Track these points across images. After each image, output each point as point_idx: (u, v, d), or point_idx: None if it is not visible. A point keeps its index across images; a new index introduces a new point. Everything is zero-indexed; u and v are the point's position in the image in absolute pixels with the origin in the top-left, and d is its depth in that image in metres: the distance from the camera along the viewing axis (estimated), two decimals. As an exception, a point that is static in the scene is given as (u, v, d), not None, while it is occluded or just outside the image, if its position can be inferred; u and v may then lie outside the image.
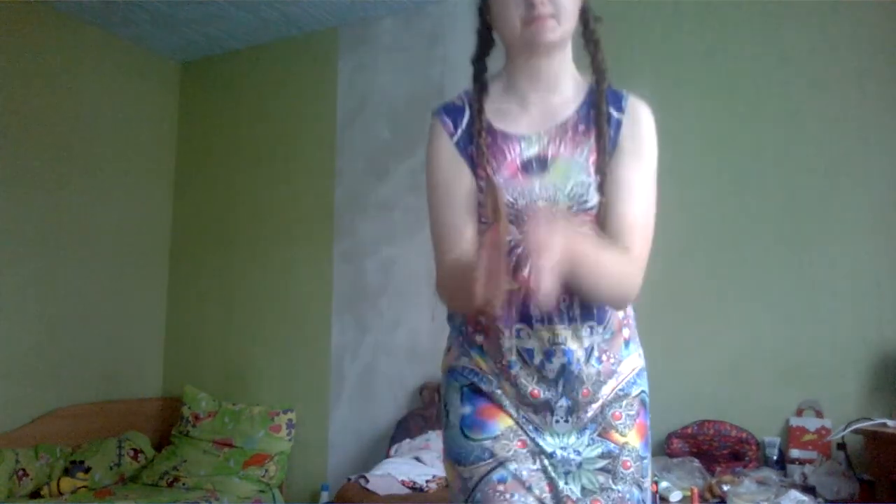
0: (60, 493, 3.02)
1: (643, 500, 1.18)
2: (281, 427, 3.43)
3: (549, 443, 1.17)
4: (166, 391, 3.93)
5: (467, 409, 1.19)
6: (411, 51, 3.53)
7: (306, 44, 3.83)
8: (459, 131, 1.18)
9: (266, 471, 3.32)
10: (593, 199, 1.13)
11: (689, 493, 2.30)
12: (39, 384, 3.33)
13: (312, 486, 3.41)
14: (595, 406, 1.17)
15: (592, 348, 1.15)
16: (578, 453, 1.16)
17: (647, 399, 1.23)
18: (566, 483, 1.15)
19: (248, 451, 3.38)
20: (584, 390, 1.15)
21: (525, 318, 1.14)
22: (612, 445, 1.17)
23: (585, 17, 1.19)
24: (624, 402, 1.19)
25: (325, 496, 3.27)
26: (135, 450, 3.46)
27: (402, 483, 2.60)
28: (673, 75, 2.93)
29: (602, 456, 1.17)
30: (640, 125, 1.17)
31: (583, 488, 1.15)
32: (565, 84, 1.20)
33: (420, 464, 2.75)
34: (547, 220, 0.99)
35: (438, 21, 3.42)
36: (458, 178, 1.17)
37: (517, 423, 1.17)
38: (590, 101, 1.18)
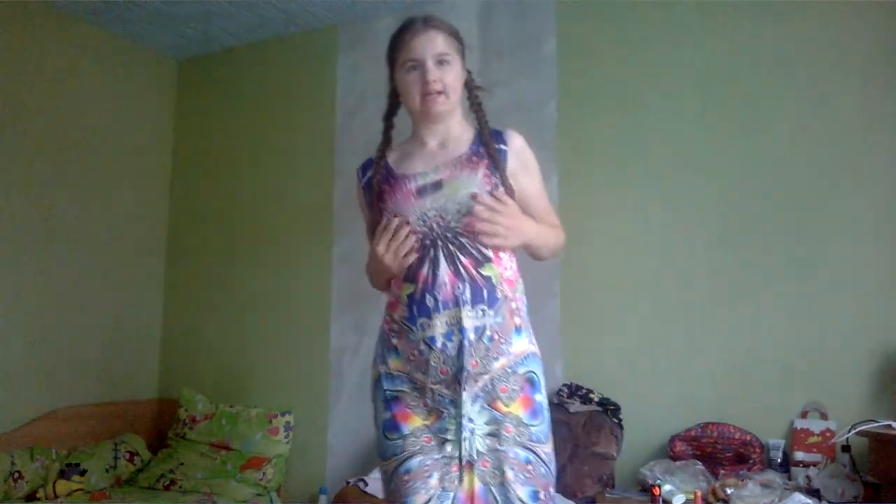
0: (56, 496, 2.99)
1: (530, 460, 1.44)
2: (279, 429, 3.41)
3: (459, 412, 1.43)
4: (163, 393, 3.90)
5: (387, 415, 1.49)
6: (411, 50, 3.50)
7: (305, 42, 3.81)
8: (365, 179, 1.66)
9: (264, 474, 3.29)
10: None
11: (692, 496, 2.29)
12: (35, 386, 3.30)
13: (311, 489, 3.37)
14: (486, 377, 1.45)
15: (485, 328, 1.44)
16: (472, 420, 1.44)
17: (537, 378, 1.51)
18: (468, 448, 1.42)
19: (246, 454, 3.35)
20: (473, 362, 1.43)
21: (424, 311, 1.45)
22: (497, 413, 1.45)
23: (469, 87, 1.64)
24: (511, 379, 1.47)
25: (323, 499, 3.24)
26: (131, 452, 3.43)
27: (402, 486, 2.57)
28: (672, 74, 2.91)
29: (488, 423, 1.44)
30: (521, 151, 1.61)
31: (477, 451, 1.42)
32: (456, 133, 1.62)
33: (420, 466, 2.73)
34: (518, 214, 1.52)
35: (438, 20, 3.39)
36: (366, 210, 1.67)
37: (425, 422, 1.46)
38: (479, 140, 1.60)
